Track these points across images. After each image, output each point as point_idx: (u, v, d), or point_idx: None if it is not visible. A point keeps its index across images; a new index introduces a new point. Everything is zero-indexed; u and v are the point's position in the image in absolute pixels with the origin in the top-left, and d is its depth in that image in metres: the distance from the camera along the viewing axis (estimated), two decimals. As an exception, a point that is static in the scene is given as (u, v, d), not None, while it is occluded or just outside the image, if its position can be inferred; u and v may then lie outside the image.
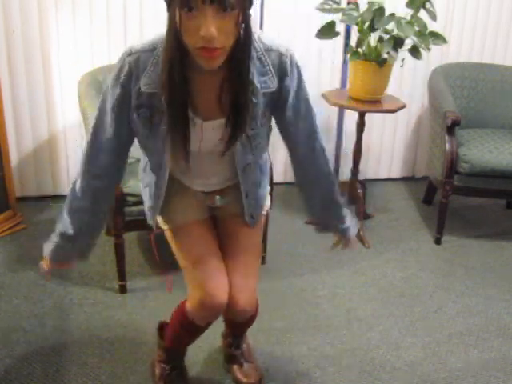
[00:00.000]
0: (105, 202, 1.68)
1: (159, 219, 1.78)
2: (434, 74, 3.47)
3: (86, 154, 1.59)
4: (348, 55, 2.94)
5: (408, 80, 3.77)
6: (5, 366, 2.12)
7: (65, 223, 1.63)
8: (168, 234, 1.78)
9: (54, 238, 1.66)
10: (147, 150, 1.63)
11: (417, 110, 3.90)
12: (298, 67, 1.55)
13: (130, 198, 2.47)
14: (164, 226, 1.78)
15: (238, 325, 1.97)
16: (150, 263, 2.85)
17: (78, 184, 1.60)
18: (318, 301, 2.62)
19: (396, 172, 4.03)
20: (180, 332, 1.86)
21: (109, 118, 1.52)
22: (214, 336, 2.18)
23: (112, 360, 2.18)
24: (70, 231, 1.62)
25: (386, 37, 2.83)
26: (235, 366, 2.09)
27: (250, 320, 1.90)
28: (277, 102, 1.56)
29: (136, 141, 1.62)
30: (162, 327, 2.06)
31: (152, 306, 2.50)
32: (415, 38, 2.82)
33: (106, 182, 1.62)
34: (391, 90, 3.24)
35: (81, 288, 2.62)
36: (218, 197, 1.75)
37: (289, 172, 3.83)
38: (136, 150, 1.72)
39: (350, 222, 1.84)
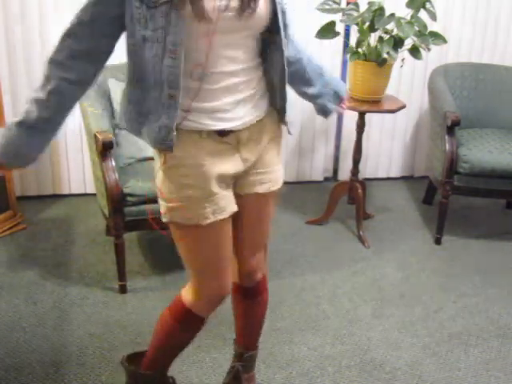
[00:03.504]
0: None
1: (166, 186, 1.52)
2: (433, 73, 3.47)
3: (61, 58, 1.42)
4: (348, 55, 2.94)
5: (408, 80, 3.77)
6: (5, 366, 2.12)
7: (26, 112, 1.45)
8: (177, 229, 1.57)
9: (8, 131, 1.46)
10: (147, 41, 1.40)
11: (416, 109, 3.90)
12: None
13: (129, 198, 2.47)
14: (168, 215, 1.54)
15: (251, 303, 1.86)
16: (150, 263, 2.86)
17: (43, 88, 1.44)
18: (318, 301, 2.62)
19: (395, 171, 4.03)
20: (175, 334, 1.72)
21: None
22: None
23: (112, 360, 2.18)
24: (33, 116, 1.43)
25: (386, 37, 2.83)
26: None
27: (263, 296, 1.85)
28: None
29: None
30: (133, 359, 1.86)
31: (152, 306, 2.50)
32: (415, 38, 2.83)
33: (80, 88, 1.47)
34: (391, 90, 3.24)
35: (81, 288, 2.62)
36: None
37: (288, 172, 3.83)
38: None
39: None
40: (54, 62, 1.41)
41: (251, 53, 1.49)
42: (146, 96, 1.45)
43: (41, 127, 1.45)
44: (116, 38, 1.44)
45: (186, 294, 1.66)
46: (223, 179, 1.54)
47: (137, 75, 1.45)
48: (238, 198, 1.62)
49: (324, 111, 1.83)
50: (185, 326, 1.68)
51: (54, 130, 1.49)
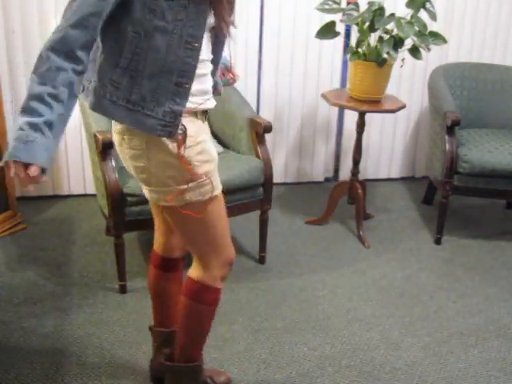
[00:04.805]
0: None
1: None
2: (433, 73, 3.48)
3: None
4: (348, 55, 2.94)
5: (408, 80, 3.77)
6: (5, 366, 2.12)
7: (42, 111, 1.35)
8: (192, 208, 1.61)
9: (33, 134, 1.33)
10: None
11: (416, 109, 3.90)
12: None
13: (129, 198, 2.47)
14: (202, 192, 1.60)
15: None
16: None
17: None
18: (318, 301, 2.62)
19: (396, 172, 4.03)
20: (196, 311, 1.78)
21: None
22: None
23: (112, 360, 2.18)
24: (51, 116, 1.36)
25: (386, 37, 2.83)
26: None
27: (181, 271, 1.96)
28: None
29: None
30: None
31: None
32: (415, 38, 2.83)
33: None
34: (391, 90, 3.24)
35: (81, 288, 2.62)
36: None
37: (289, 172, 3.83)
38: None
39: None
40: (62, 53, 1.35)
41: None
42: (139, 83, 1.46)
43: (58, 123, 1.36)
44: None
45: (195, 271, 1.73)
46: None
47: (133, 63, 1.45)
48: None
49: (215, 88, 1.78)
50: (201, 300, 1.75)
51: (65, 124, 1.42)
